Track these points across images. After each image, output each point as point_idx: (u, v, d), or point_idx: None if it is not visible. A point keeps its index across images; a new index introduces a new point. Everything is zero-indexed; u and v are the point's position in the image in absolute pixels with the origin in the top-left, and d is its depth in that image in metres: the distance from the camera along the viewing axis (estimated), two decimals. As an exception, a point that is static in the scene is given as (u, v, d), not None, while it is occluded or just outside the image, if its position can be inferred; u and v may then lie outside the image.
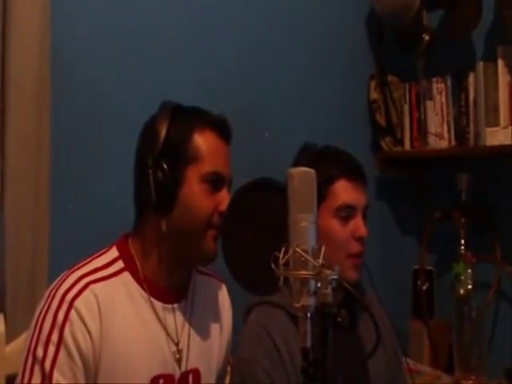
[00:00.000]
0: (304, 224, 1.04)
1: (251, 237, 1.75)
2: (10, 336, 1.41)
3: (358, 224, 1.46)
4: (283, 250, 1.03)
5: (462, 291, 2.03)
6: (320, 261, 1.01)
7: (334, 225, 1.45)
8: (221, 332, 1.40)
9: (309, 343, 1.00)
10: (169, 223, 1.24)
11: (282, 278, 1.02)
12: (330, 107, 2.29)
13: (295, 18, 2.22)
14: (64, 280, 1.22)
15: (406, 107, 2.35)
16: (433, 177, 2.40)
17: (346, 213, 1.46)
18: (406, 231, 2.48)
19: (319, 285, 1.00)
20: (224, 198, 1.27)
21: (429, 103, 2.27)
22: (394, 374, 1.56)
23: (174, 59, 1.96)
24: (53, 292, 1.21)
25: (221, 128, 1.29)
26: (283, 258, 1.02)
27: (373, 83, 2.39)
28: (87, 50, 1.81)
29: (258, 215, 1.66)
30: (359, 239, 1.46)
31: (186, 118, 1.28)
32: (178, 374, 1.28)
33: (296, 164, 1.46)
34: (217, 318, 1.40)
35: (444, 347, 2.19)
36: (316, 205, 1.06)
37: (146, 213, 1.28)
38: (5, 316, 1.52)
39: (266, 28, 2.15)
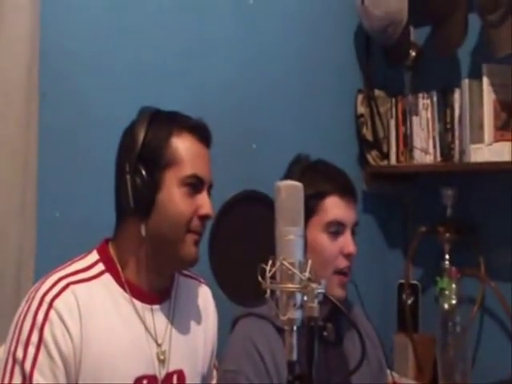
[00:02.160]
0: (291, 237, 1.04)
1: (238, 249, 1.76)
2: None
3: (347, 240, 1.47)
4: (270, 262, 1.03)
5: (446, 306, 2.04)
6: (307, 274, 1.02)
7: (323, 240, 1.46)
8: (205, 334, 1.40)
9: (295, 356, 1.01)
10: (148, 228, 1.24)
11: (268, 291, 1.03)
12: (317, 121, 2.30)
13: (284, 33, 2.24)
14: (44, 281, 1.22)
15: (393, 122, 2.36)
16: (418, 191, 2.41)
17: (335, 229, 1.46)
18: (391, 245, 2.50)
19: (306, 298, 1.01)
20: (204, 201, 1.27)
21: (415, 118, 2.28)
22: None
23: (163, 70, 1.97)
24: (32, 294, 1.21)
25: (199, 131, 1.29)
26: (270, 270, 1.03)
27: (360, 97, 2.40)
28: (76, 58, 1.81)
29: (246, 227, 1.67)
30: (347, 256, 1.47)
31: (163, 122, 1.28)
32: (161, 375, 1.27)
33: (287, 176, 1.47)
34: (200, 319, 1.40)
35: (428, 361, 2.20)
36: (303, 218, 1.06)
37: (126, 218, 1.28)
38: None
39: (256, 43, 2.16)
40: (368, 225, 2.42)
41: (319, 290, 1.01)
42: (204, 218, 1.27)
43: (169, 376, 1.29)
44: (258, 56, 2.17)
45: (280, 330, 1.03)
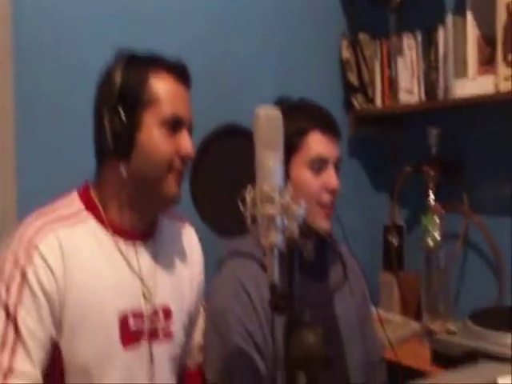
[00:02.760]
0: (270, 163, 1.04)
1: (220, 181, 1.76)
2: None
3: (330, 176, 1.46)
4: (250, 189, 1.03)
5: (430, 242, 2.05)
6: (286, 198, 1.03)
7: (307, 176, 1.46)
8: (191, 273, 1.41)
9: (276, 279, 1.02)
10: (129, 169, 1.23)
11: (249, 218, 1.03)
12: (301, 66, 2.28)
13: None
14: (26, 227, 1.22)
15: (378, 64, 2.35)
16: (404, 133, 2.41)
17: (318, 164, 1.46)
18: (378, 188, 2.51)
19: (286, 221, 1.02)
20: (184, 141, 1.26)
21: (400, 59, 2.27)
22: (363, 320, 1.59)
23: (144, 23, 1.93)
24: (15, 238, 1.21)
25: (177, 71, 1.28)
26: (250, 197, 1.03)
27: (344, 42, 2.39)
28: (51, 10, 1.77)
29: (226, 160, 1.66)
30: (331, 191, 1.47)
31: (140, 63, 1.26)
32: (147, 312, 1.29)
33: None
34: (185, 259, 1.41)
35: (413, 297, 2.24)
36: (282, 144, 1.06)
37: (106, 160, 1.27)
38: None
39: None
40: (354, 169, 2.44)
41: (299, 212, 1.02)
42: (185, 158, 1.27)
43: (155, 312, 1.30)
44: (238, 4, 2.13)
45: (266, 267, 1.04)
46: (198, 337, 1.48)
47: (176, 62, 1.29)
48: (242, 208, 1.03)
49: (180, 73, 1.28)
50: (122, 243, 1.27)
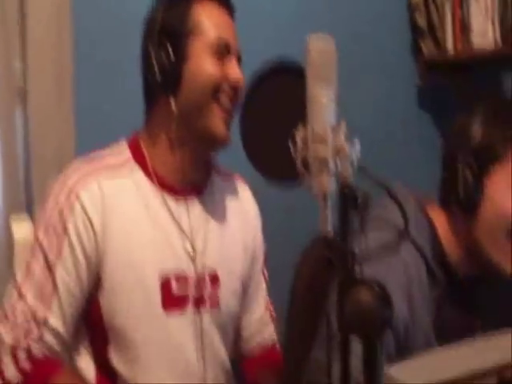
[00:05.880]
0: (323, 100, 0.94)
1: (271, 122, 1.66)
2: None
3: None
4: (301, 129, 0.94)
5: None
6: (340, 138, 0.92)
7: None
8: (244, 236, 1.32)
9: (329, 229, 0.92)
10: (178, 101, 1.20)
11: (300, 160, 0.94)
12: (366, 9, 2.17)
13: None
14: (72, 171, 1.21)
15: (448, 5, 2.20)
16: (478, 81, 2.24)
17: None
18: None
19: (339, 164, 0.91)
20: (233, 67, 1.22)
21: (473, 0, 2.11)
22: None
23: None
24: (59, 181, 1.20)
25: None
26: (301, 138, 0.94)
27: (412, -19, 2.25)
28: None
29: (278, 99, 1.57)
30: None
31: None
32: (192, 274, 1.22)
33: None
34: (239, 219, 1.33)
35: None
36: (336, 78, 0.95)
37: (155, 99, 1.24)
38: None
39: None
40: (423, 120, 2.30)
41: (354, 154, 0.91)
42: (233, 86, 1.22)
43: (201, 276, 1.23)
44: None
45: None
46: (259, 311, 1.37)
47: None
48: (292, 150, 0.94)
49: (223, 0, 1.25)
50: (170, 199, 1.22)
